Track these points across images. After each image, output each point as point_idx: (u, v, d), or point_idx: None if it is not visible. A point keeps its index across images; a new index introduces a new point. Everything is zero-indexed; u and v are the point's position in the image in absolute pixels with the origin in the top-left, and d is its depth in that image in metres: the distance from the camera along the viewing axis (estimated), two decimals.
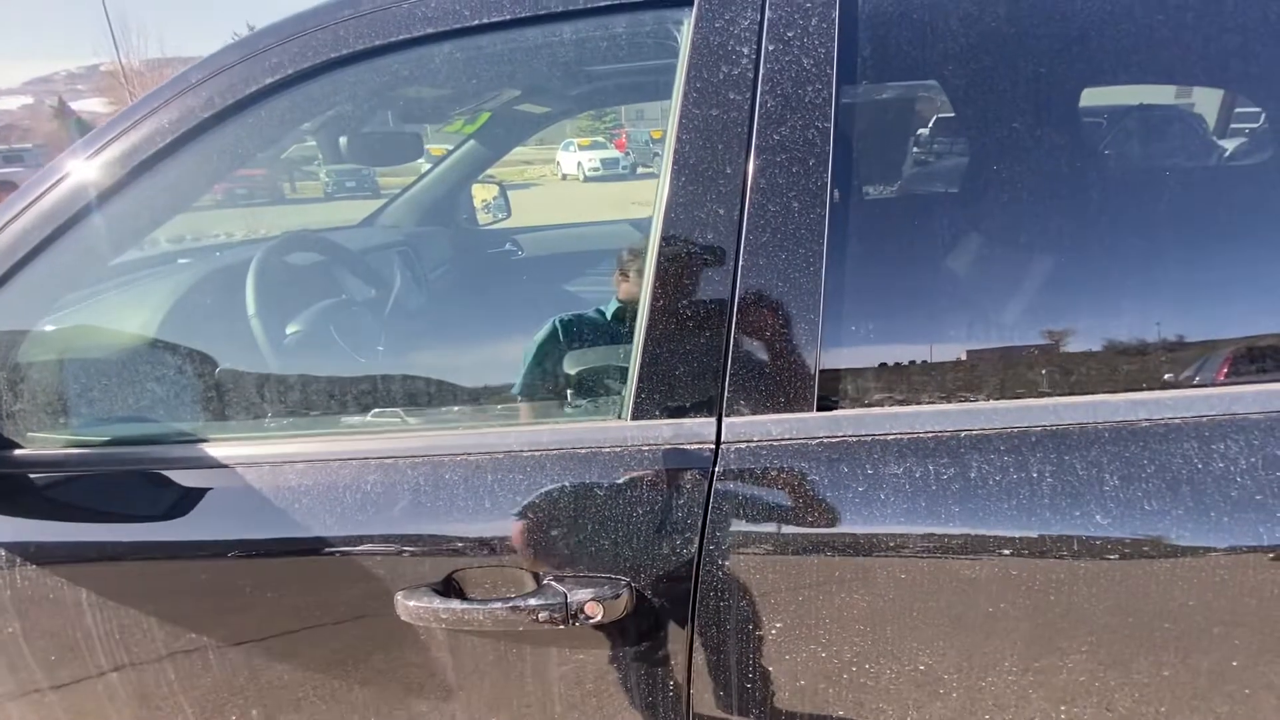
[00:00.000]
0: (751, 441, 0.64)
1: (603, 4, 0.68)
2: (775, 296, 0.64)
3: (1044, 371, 0.65)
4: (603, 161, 19.02)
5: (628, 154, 20.66)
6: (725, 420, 0.65)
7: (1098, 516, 0.59)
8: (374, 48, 0.70)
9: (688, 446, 0.65)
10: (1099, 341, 0.67)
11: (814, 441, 0.64)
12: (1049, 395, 0.63)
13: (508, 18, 0.69)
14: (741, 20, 0.64)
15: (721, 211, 0.64)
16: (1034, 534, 0.59)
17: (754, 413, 0.65)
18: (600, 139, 21.60)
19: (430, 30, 0.69)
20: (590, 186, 17.97)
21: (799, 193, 0.63)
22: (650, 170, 20.70)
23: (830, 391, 0.65)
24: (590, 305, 2.65)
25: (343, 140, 1.17)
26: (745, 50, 0.64)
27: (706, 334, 0.65)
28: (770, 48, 0.63)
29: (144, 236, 0.84)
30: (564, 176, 20.29)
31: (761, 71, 0.63)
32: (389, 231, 2.02)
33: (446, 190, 2.27)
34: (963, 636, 0.62)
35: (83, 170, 0.73)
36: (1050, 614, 0.60)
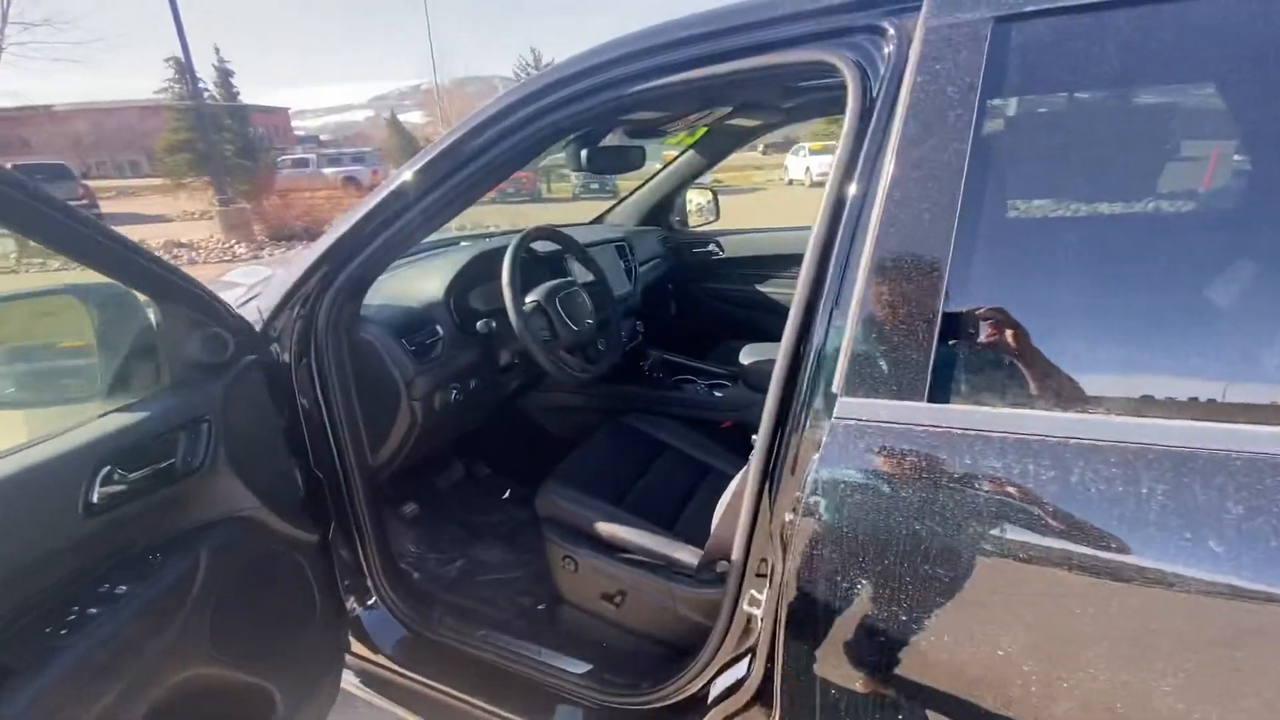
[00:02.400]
0: (859, 420, 0.74)
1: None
2: (898, 279, 0.73)
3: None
4: None
5: None
6: (839, 399, 0.76)
7: (1211, 543, 0.59)
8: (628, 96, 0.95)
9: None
10: (1246, 367, 0.64)
11: (919, 428, 0.72)
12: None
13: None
14: (967, 30, 0.70)
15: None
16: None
17: (866, 396, 0.75)
18: (834, 143, 20.90)
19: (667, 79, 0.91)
20: (815, 191, 17.59)
21: (933, 203, 0.71)
22: None
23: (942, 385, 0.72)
24: (773, 304, 2.77)
25: (584, 153, 1.47)
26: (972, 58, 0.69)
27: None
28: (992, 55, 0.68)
29: (446, 222, 1.20)
30: (790, 181, 20.12)
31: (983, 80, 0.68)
32: (613, 229, 2.37)
33: (664, 195, 2.57)
34: (1040, 638, 0.65)
35: (408, 177, 1.09)
36: (1140, 636, 0.61)
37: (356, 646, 1.39)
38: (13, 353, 0.95)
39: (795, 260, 2.45)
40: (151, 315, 0.94)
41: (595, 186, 18.66)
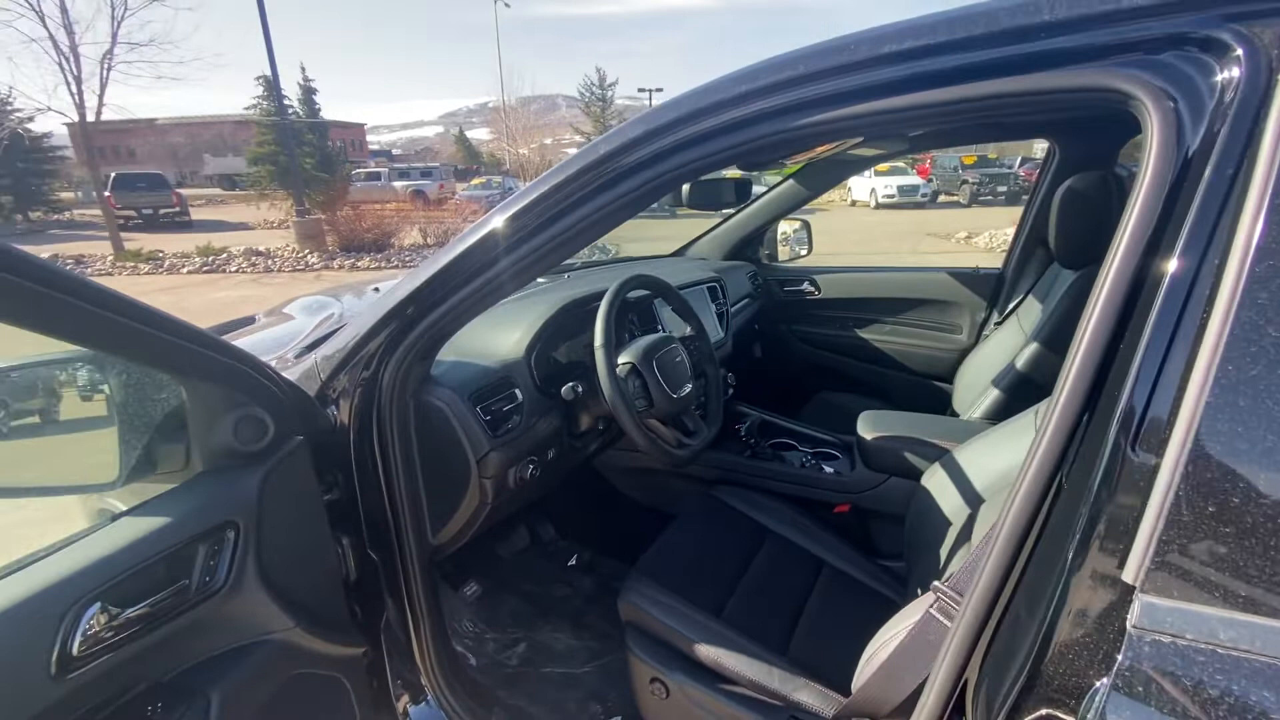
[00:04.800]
0: (1183, 639, 0.48)
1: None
2: (1271, 420, 0.46)
3: None
4: (899, 188, 17.83)
5: (930, 180, 18.96)
6: (1141, 597, 0.50)
7: None
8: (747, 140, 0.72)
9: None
10: None
11: None
12: None
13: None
14: None
15: None
16: None
17: (1192, 600, 0.48)
18: (901, 164, 20.21)
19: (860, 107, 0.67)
20: (880, 214, 16.96)
21: None
22: (955, 199, 18.51)
23: None
24: (876, 354, 2.45)
25: (685, 187, 1.25)
26: None
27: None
28: None
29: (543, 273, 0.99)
30: (853, 203, 19.51)
31: None
32: (700, 265, 2.14)
33: (755, 226, 2.32)
34: None
35: (500, 222, 0.88)
36: None
37: None
38: (26, 430, 0.78)
39: (905, 304, 2.18)
40: (182, 391, 0.76)
41: (654, 205, 18.50)
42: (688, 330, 1.48)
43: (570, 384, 1.24)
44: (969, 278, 2.06)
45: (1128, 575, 0.50)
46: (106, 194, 12.94)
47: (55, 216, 18.42)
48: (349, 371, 1.02)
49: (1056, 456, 0.59)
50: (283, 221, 14.68)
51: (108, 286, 0.61)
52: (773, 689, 1.03)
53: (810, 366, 2.36)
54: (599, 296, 1.26)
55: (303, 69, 21.06)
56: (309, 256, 10.63)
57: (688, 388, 1.29)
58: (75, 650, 0.60)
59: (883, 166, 19.33)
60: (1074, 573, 0.55)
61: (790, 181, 2.11)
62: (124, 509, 0.72)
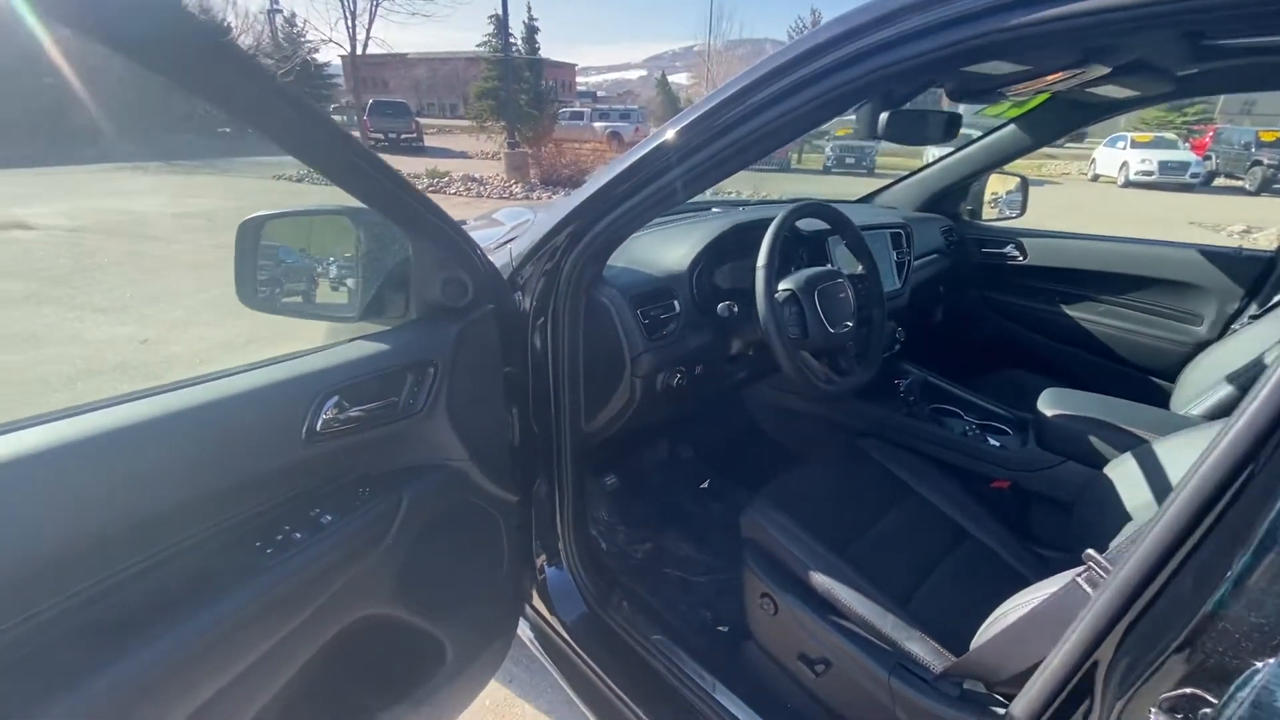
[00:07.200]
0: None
1: None
2: None
3: None
4: (1161, 164, 14.53)
5: (1208, 158, 15.26)
6: None
7: None
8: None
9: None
10: None
11: None
12: None
13: None
14: None
15: None
16: None
17: None
18: (1169, 135, 16.45)
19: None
20: (1129, 194, 14.08)
21: None
22: (1238, 184, 14.72)
23: None
24: (1085, 337, 2.15)
25: (883, 117, 1.17)
26: None
27: None
28: None
29: (706, 188, 1.03)
30: (1095, 178, 16.41)
31: None
32: (888, 212, 2.00)
33: (959, 179, 2.10)
34: None
35: (668, 136, 0.92)
36: None
37: (537, 603, 1.38)
38: (300, 265, 1.01)
39: (1132, 283, 1.86)
40: (410, 248, 0.92)
41: (850, 161, 17.16)
42: (859, 269, 1.42)
43: (726, 303, 1.27)
44: (1226, 259, 1.69)
45: None
46: (364, 118, 15.14)
47: None
48: (535, 262, 1.15)
49: (1257, 436, 0.51)
50: (496, 153, 16.10)
51: (381, 158, 0.77)
52: (884, 633, 1.02)
53: (999, 338, 2.13)
54: (769, 223, 1.26)
55: (529, 8, 22.44)
56: (514, 186, 11.61)
57: (847, 326, 1.26)
58: (319, 427, 0.79)
59: (1143, 136, 15.94)
60: (1258, 554, 0.48)
61: (1010, 127, 1.86)
62: (360, 335, 0.90)
